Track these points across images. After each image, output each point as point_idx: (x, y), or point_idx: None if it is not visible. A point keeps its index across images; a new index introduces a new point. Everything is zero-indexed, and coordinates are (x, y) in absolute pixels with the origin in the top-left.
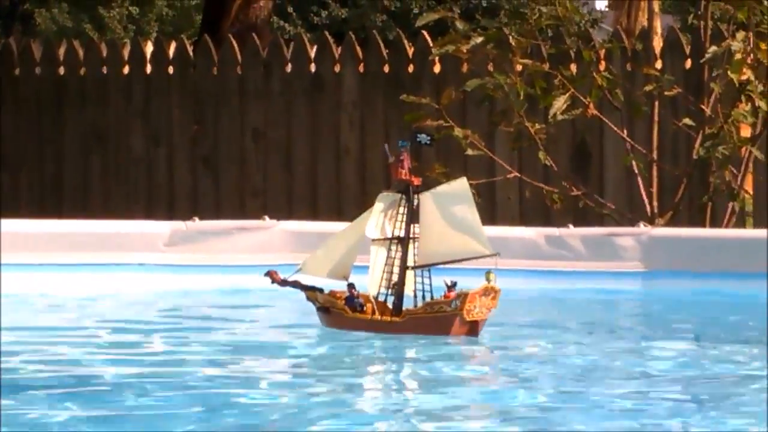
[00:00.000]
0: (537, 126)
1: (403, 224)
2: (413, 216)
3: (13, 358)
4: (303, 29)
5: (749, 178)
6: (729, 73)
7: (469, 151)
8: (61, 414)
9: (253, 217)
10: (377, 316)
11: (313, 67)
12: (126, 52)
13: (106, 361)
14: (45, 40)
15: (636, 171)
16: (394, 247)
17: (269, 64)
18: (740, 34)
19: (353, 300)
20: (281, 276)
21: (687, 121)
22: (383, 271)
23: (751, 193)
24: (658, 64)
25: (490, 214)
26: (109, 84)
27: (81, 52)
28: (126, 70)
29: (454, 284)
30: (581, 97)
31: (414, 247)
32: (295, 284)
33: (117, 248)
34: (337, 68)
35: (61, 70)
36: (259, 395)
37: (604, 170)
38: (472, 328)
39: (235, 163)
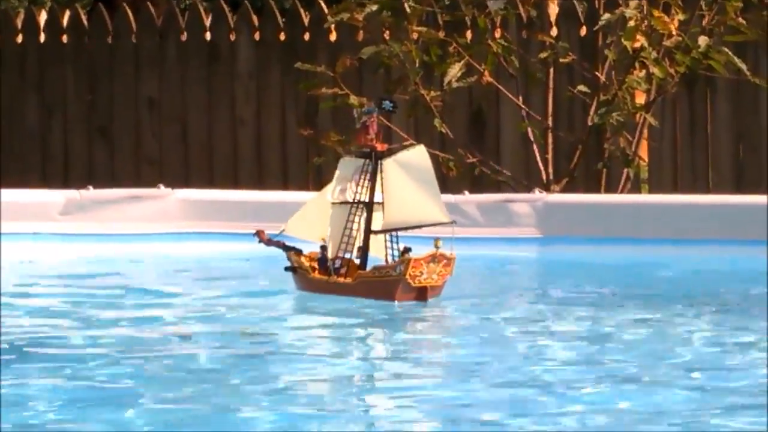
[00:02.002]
0: (433, 93)
1: (367, 189)
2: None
3: None
4: None
5: (644, 145)
6: (623, 40)
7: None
8: None
9: (149, 186)
10: (333, 278)
11: (208, 36)
12: (19, 22)
13: None
14: None
15: (531, 138)
16: (355, 211)
17: (164, 33)
18: (633, 2)
19: (325, 262)
20: (267, 236)
21: (582, 88)
22: (342, 234)
23: (646, 159)
24: (554, 32)
25: None
26: (1, 54)
27: None
28: (19, 39)
29: (408, 250)
30: (476, 65)
31: (375, 212)
32: (279, 244)
33: (11, 217)
34: (232, 37)
35: None
36: (139, 361)
37: (500, 137)
38: (420, 294)
39: (130, 132)
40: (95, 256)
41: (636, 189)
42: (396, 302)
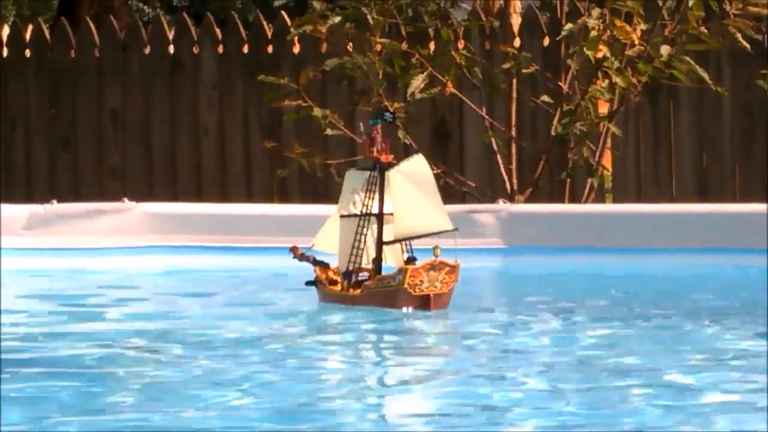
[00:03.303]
0: (396, 105)
1: (375, 201)
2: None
3: None
4: (161, 11)
5: (607, 154)
6: (585, 50)
7: (329, 131)
8: None
9: (113, 199)
10: (344, 291)
11: (171, 49)
12: None
13: None
14: None
15: (495, 148)
16: (364, 223)
17: (127, 46)
18: (595, 11)
19: (349, 274)
20: (300, 251)
21: (545, 98)
22: (352, 247)
23: (610, 169)
24: (517, 42)
25: None
26: None
27: None
28: None
29: (413, 260)
30: (439, 76)
31: (383, 224)
32: (309, 259)
33: None
34: (195, 50)
35: None
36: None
37: (464, 148)
38: (423, 302)
39: (93, 145)
40: (59, 270)
41: (600, 198)
42: (399, 310)
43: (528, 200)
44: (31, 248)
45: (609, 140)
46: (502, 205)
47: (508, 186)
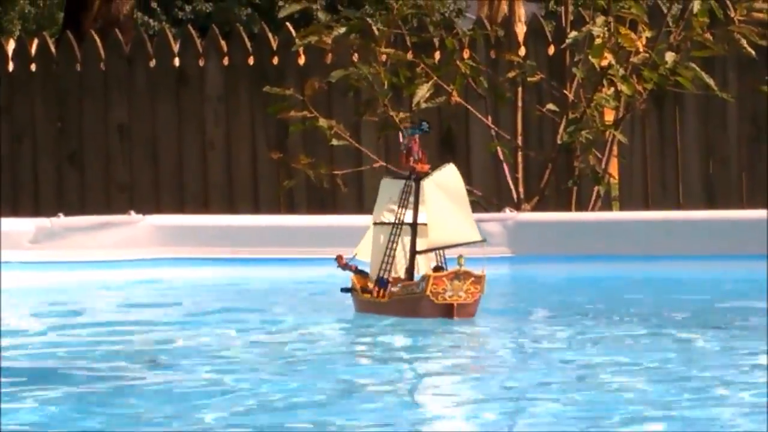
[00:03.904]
0: (402, 115)
1: (409, 210)
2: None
3: None
4: (167, 24)
5: (614, 162)
6: (590, 57)
7: (334, 142)
8: None
9: (120, 212)
10: (374, 298)
11: (177, 62)
12: None
13: None
14: None
15: (501, 157)
16: (397, 232)
17: (133, 59)
18: (600, 19)
19: (384, 282)
20: (344, 260)
21: (551, 106)
22: (384, 255)
23: (616, 176)
24: (522, 51)
25: (358, 203)
26: None
27: None
28: None
29: (440, 268)
30: (444, 86)
31: (416, 233)
32: (351, 268)
33: None
34: (201, 62)
35: None
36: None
37: (470, 157)
38: (447, 311)
39: (100, 158)
40: (66, 283)
41: (607, 206)
42: (423, 318)
43: (534, 209)
44: (38, 261)
45: (615, 148)
46: (508, 213)
47: (514, 195)
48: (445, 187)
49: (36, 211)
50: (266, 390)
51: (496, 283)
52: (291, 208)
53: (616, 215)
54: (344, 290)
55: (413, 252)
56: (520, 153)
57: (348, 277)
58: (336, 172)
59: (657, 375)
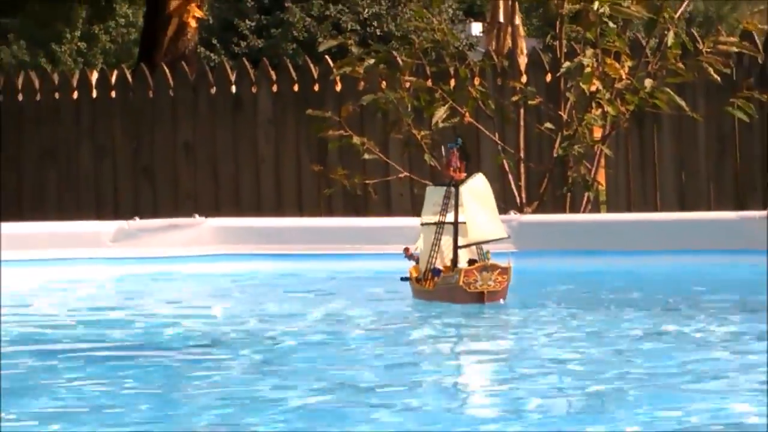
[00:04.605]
0: (423, 133)
1: (452, 212)
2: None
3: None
4: (225, 57)
5: (601, 172)
6: (581, 84)
7: (366, 156)
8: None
9: (186, 216)
10: (423, 286)
11: (234, 89)
12: (75, 81)
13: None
14: (6, 72)
15: (507, 168)
16: (441, 230)
17: (197, 87)
18: (589, 51)
19: (437, 271)
20: (411, 252)
21: (548, 125)
22: (431, 250)
23: (604, 184)
24: (523, 79)
25: (386, 208)
26: (60, 108)
27: (37, 82)
28: (75, 95)
29: (472, 262)
30: (458, 108)
31: (457, 230)
32: (415, 259)
33: (70, 245)
34: (254, 90)
35: (20, 97)
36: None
37: (480, 168)
38: (478, 298)
39: (169, 172)
40: (140, 276)
41: (596, 209)
42: (457, 304)
43: (535, 211)
44: (118, 257)
45: (603, 160)
46: (513, 215)
47: (518, 200)
48: (476, 193)
49: (116, 215)
50: (325, 367)
51: None
52: (330, 212)
53: (604, 217)
54: (403, 279)
55: (456, 247)
56: (522, 165)
57: (402, 269)
58: (367, 182)
59: (631, 354)
